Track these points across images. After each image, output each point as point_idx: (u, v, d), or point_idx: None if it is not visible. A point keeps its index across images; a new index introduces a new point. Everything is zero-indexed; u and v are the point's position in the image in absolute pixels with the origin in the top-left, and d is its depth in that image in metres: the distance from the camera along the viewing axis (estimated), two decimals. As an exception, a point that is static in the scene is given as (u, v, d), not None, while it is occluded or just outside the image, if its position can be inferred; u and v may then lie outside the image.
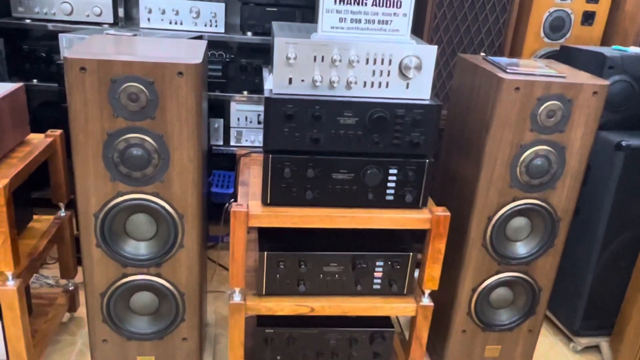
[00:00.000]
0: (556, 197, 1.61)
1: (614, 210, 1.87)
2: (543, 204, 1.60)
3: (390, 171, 1.52)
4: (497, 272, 1.68)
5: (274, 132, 1.45)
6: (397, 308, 1.66)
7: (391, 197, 1.55)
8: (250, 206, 1.52)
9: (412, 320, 1.69)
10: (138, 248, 1.49)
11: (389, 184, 1.53)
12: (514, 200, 1.59)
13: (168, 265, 1.52)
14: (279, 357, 1.74)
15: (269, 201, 1.52)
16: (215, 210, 2.06)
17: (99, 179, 1.40)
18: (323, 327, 1.72)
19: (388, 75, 1.45)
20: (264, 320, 1.70)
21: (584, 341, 2.07)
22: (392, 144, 1.49)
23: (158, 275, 1.52)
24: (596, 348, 2.09)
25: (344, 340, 1.74)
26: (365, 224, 1.54)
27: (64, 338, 1.96)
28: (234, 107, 2.46)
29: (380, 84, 1.45)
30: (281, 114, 1.43)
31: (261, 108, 2.44)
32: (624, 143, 1.80)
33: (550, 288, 1.73)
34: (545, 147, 1.54)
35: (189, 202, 1.46)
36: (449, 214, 1.55)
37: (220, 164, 2.65)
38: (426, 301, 1.65)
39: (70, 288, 2.01)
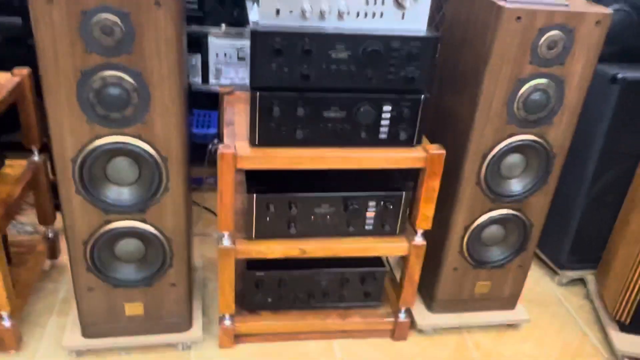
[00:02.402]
0: (552, 132, 1.57)
1: (605, 144, 1.84)
2: (539, 140, 1.56)
3: (384, 108, 1.45)
4: (490, 210, 1.65)
5: (260, 68, 1.35)
6: (390, 248, 1.64)
7: (384, 136, 1.49)
8: (238, 147, 1.44)
9: (404, 260, 1.68)
10: (120, 193, 1.42)
11: (383, 122, 1.47)
12: (509, 137, 1.54)
13: (153, 211, 1.45)
14: (269, 299, 1.72)
15: (257, 142, 1.44)
16: (196, 151, 1.98)
17: (74, 122, 1.30)
18: (314, 269, 1.69)
19: (383, 4, 1.35)
20: (254, 264, 1.67)
21: (570, 274, 2.10)
22: (386, 79, 1.41)
23: (143, 221, 1.46)
24: (581, 281, 2.13)
25: (335, 281, 1.72)
26: (358, 164, 1.49)
27: (46, 286, 1.91)
28: (212, 41, 2.32)
29: (374, 13, 1.36)
30: (268, 49, 1.33)
31: (241, 43, 2.31)
32: (619, 75, 1.75)
33: (541, 225, 1.72)
34: (544, 80, 1.48)
35: (172, 144, 1.38)
36: (443, 152, 1.50)
37: (199, 103, 2.54)
38: (419, 240, 1.63)
39: (50, 235, 1.94)
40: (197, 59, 2.37)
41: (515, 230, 1.71)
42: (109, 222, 1.44)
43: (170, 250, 1.51)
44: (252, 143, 1.45)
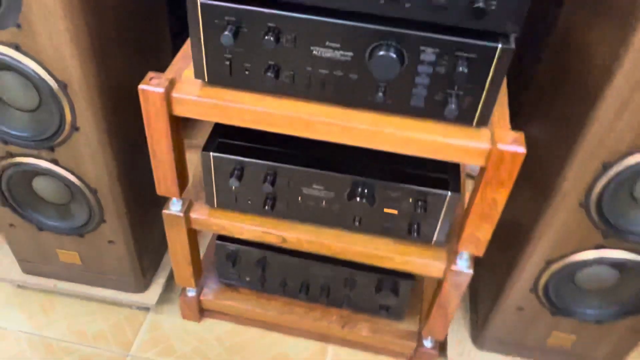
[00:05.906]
0: None
1: None
2: None
3: (422, 57, 0.79)
4: (598, 247, 0.97)
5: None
6: (416, 263, 1.06)
7: (419, 102, 0.84)
8: (179, 83, 0.90)
9: (438, 284, 1.10)
10: (17, 121, 0.99)
11: (417, 79, 0.81)
12: (667, 141, 0.81)
13: (65, 152, 1.01)
14: (248, 278, 1.27)
15: (206, 78, 0.89)
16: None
17: None
18: (305, 258, 1.19)
19: None
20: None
21: None
22: (431, 8, 0.74)
23: (54, 162, 1.03)
24: None
25: (337, 281, 1.21)
26: (364, 141, 0.88)
27: None
28: None
29: None
30: None
31: None
32: None
33: (690, 285, 1.00)
34: None
35: (69, 64, 0.88)
36: (523, 149, 0.82)
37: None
38: (462, 267, 1.03)
39: None
40: None
41: (635, 280, 1.02)
42: (12, 155, 1.04)
43: (99, 204, 1.09)
44: (200, 77, 0.89)
